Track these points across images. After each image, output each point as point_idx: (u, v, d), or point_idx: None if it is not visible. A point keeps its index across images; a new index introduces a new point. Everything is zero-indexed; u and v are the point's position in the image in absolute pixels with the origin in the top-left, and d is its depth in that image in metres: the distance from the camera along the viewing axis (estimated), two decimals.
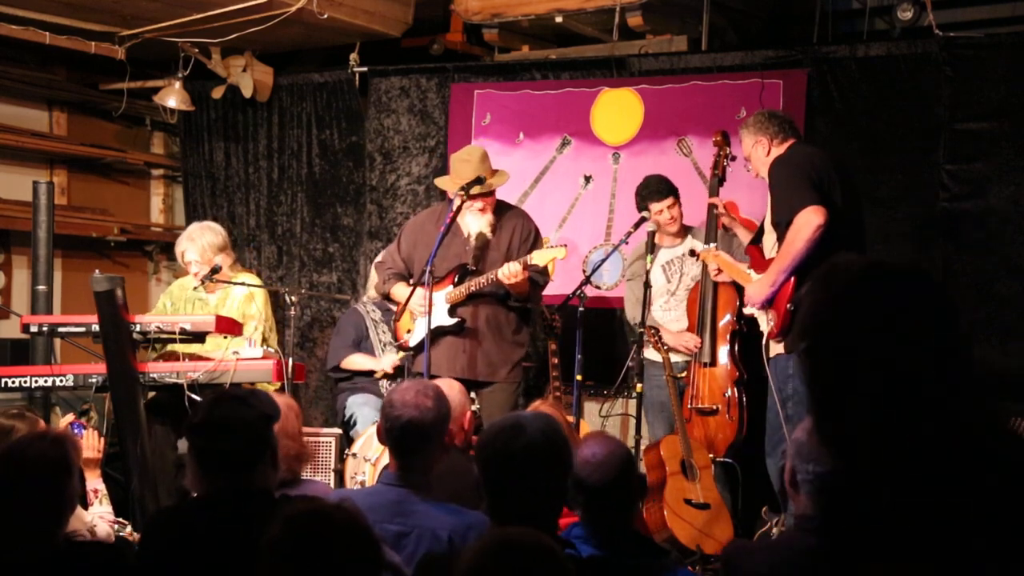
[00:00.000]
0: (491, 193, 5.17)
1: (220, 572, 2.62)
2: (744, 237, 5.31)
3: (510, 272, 4.92)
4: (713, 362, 5.39)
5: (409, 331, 5.33)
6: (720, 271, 5.18)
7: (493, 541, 2.00)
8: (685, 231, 5.73)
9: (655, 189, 5.57)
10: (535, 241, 5.26)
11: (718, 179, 5.46)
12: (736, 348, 5.38)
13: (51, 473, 2.71)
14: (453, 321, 5.14)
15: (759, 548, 3.50)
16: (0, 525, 2.67)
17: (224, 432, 2.71)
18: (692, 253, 5.46)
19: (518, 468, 2.58)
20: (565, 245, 5.04)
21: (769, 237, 4.86)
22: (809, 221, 4.52)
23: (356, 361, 6.10)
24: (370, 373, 6.04)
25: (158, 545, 2.77)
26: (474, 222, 5.17)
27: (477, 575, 1.96)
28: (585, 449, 2.89)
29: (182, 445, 5.53)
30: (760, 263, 4.83)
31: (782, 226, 4.66)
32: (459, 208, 5.05)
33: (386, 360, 5.94)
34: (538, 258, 4.96)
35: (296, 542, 2.13)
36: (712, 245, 5.29)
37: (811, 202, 4.54)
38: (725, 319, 5.40)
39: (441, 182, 5.35)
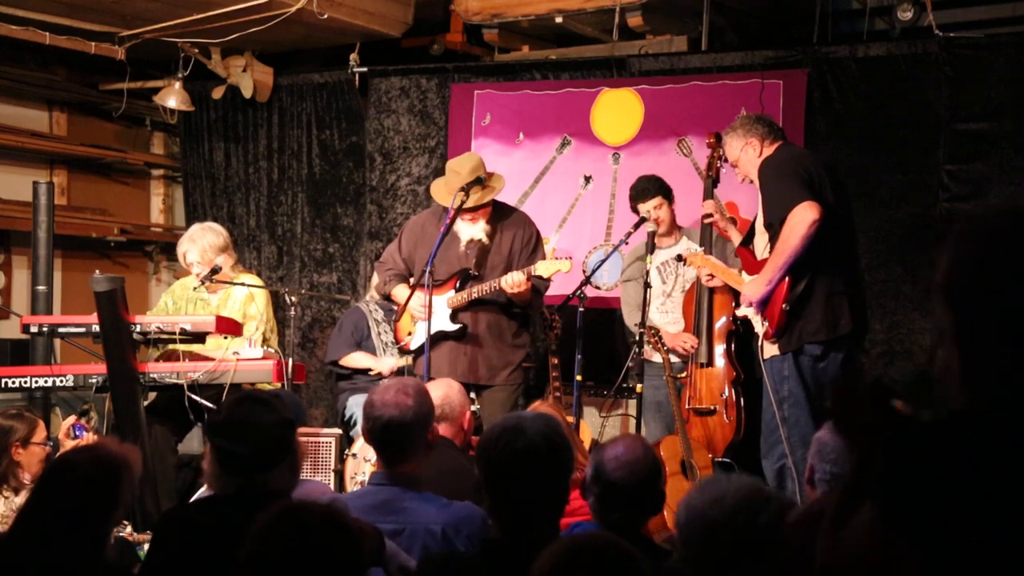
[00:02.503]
0: (483, 206, 5.17)
1: (230, 572, 2.62)
2: (736, 239, 5.31)
3: (514, 282, 4.95)
4: (710, 363, 5.39)
5: (410, 333, 5.33)
6: (711, 276, 5.17)
7: (569, 546, 1.96)
8: (680, 232, 5.73)
9: (642, 190, 5.57)
10: (536, 246, 5.26)
11: (712, 180, 5.46)
12: (733, 348, 5.38)
13: (95, 497, 2.65)
14: (455, 327, 5.15)
15: None
16: (32, 534, 2.64)
17: (243, 434, 2.72)
18: (679, 258, 5.45)
19: (519, 469, 2.58)
20: (570, 258, 5.05)
21: (761, 239, 4.85)
22: (804, 218, 4.51)
23: (356, 359, 6.11)
24: (369, 371, 6.05)
25: (170, 543, 2.77)
26: (466, 229, 5.18)
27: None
28: (618, 446, 2.89)
29: (186, 444, 5.55)
30: (752, 265, 4.83)
31: (775, 226, 4.66)
32: (458, 210, 5.05)
33: (385, 363, 5.94)
34: (542, 269, 4.97)
35: (271, 538, 2.13)
36: (700, 249, 5.29)
37: (804, 199, 4.53)
38: (722, 320, 5.40)
39: (436, 193, 5.33)
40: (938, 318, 1.53)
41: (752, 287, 4.72)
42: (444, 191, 5.22)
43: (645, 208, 5.54)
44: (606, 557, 1.92)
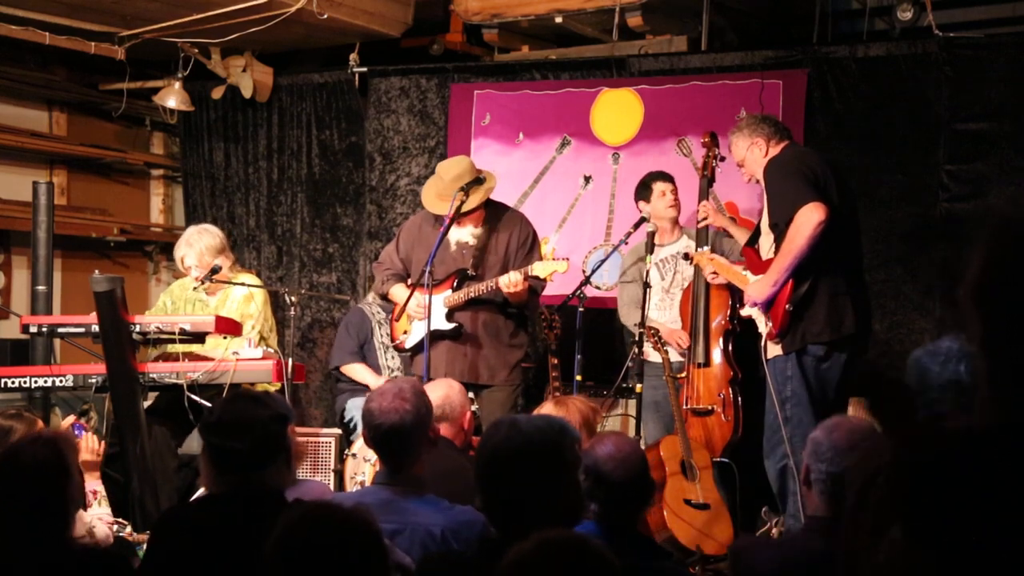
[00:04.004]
0: (475, 210, 5.17)
1: (229, 570, 2.63)
2: (741, 239, 5.30)
3: (511, 282, 4.95)
4: (707, 362, 5.39)
5: (406, 332, 5.34)
6: (717, 275, 5.17)
7: (539, 542, 1.96)
8: (680, 231, 5.73)
9: (658, 173, 5.65)
10: (533, 245, 5.26)
11: (707, 180, 5.47)
12: (730, 348, 5.38)
13: (49, 477, 2.68)
14: (451, 326, 5.15)
15: (769, 545, 3.51)
16: (2, 531, 2.65)
17: (237, 431, 2.73)
18: (686, 256, 5.46)
19: (510, 468, 2.58)
20: (567, 259, 5.05)
21: (766, 239, 4.85)
22: (810, 218, 4.51)
23: (357, 371, 6.12)
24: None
25: (168, 542, 2.77)
26: (455, 232, 5.18)
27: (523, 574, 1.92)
28: (607, 445, 2.91)
29: (186, 445, 5.55)
30: (757, 264, 4.83)
31: (780, 227, 4.66)
32: (457, 210, 5.05)
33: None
34: (539, 269, 4.97)
35: (298, 540, 2.13)
36: (705, 248, 5.29)
37: (810, 199, 4.53)
38: (718, 319, 5.40)
39: (427, 200, 5.32)
40: (966, 322, 1.49)
41: (757, 288, 4.72)
42: (434, 197, 5.22)
43: (661, 188, 5.56)
44: (576, 555, 1.91)
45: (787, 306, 4.61)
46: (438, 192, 5.19)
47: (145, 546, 3.93)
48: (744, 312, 4.89)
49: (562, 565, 1.89)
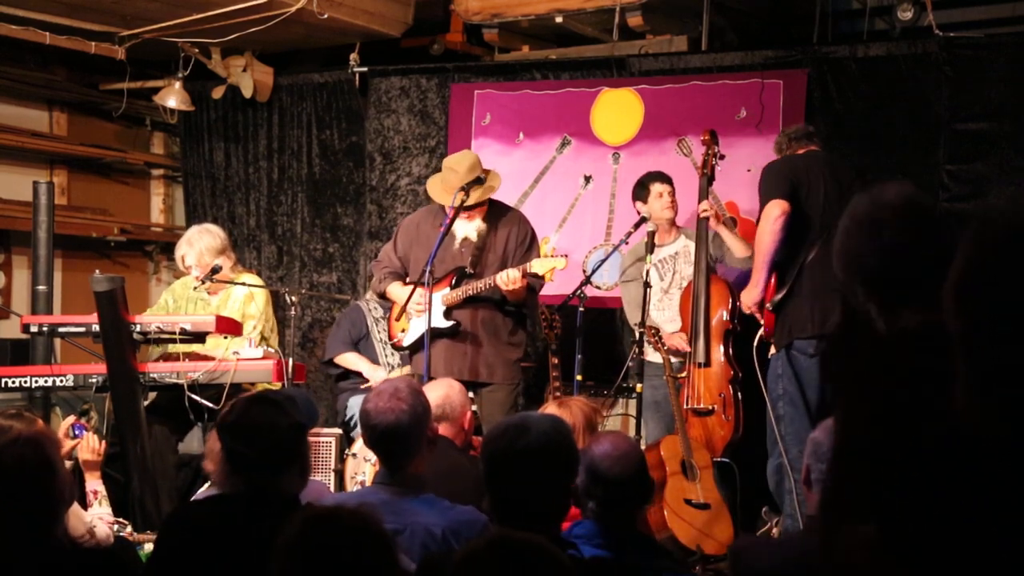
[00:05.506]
0: (481, 204, 5.17)
1: (235, 572, 2.63)
2: (728, 240, 5.34)
3: (509, 279, 4.94)
4: (708, 362, 5.39)
5: (404, 330, 5.33)
6: None
7: (490, 541, 1.97)
8: (678, 230, 5.73)
9: (656, 174, 5.66)
10: (531, 243, 5.26)
11: (707, 178, 5.49)
12: (731, 347, 5.39)
13: (33, 476, 2.67)
14: (449, 324, 5.15)
15: (769, 545, 3.52)
16: None
17: (254, 436, 2.73)
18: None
19: (519, 467, 2.58)
20: (566, 255, 5.06)
21: None
22: (768, 214, 4.68)
23: (350, 360, 6.12)
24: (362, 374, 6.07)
25: (175, 541, 2.78)
26: (461, 226, 5.18)
27: (470, 573, 1.93)
28: (604, 444, 2.91)
29: (186, 444, 5.55)
30: None
31: None
32: (458, 209, 5.05)
33: (378, 376, 5.94)
34: (538, 267, 4.97)
35: (310, 542, 2.13)
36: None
37: (772, 197, 4.70)
38: (718, 318, 5.41)
39: (433, 191, 5.32)
40: (948, 320, 1.49)
41: (746, 293, 4.86)
42: (440, 189, 5.21)
43: (659, 189, 5.57)
44: (530, 555, 1.91)
45: (767, 305, 4.75)
46: (447, 183, 5.17)
47: (147, 546, 3.94)
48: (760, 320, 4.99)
49: (515, 565, 1.90)
